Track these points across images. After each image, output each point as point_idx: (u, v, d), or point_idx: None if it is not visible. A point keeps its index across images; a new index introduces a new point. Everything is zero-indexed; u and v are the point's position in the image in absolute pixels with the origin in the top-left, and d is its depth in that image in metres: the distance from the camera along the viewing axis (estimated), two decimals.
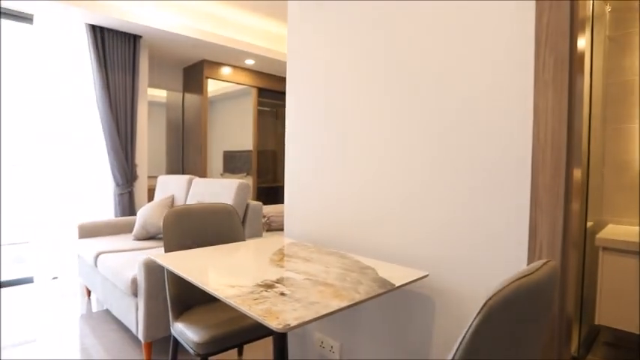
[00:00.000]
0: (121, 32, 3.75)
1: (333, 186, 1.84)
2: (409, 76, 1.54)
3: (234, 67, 4.91)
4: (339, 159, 1.82)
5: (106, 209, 3.74)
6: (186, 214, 1.80)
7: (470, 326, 0.72)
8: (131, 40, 3.82)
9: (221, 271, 1.33)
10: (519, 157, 1.25)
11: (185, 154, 5.08)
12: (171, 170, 5.16)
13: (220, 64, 4.80)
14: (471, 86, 1.36)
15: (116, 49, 3.71)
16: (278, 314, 0.96)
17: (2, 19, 3.36)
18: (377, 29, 1.65)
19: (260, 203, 2.65)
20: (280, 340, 1.38)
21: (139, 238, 3.01)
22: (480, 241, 1.34)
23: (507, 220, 1.28)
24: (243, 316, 1.63)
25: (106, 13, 3.39)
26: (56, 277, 3.57)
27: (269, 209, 3.66)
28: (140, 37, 3.88)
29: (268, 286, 1.17)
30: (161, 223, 3.02)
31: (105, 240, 2.99)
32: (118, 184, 3.74)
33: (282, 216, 3.67)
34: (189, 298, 1.73)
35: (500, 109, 1.29)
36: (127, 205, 3.78)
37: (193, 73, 4.88)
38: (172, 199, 3.14)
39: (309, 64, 1.96)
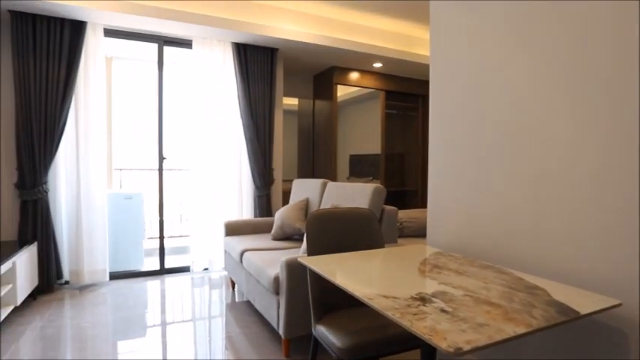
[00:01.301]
0: (261, 47, 4.07)
1: (484, 191, 1.66)
2: (580, 72, 1.29)
3: (362, 71, 4.94)
4: (491, 162, 1.63)
5: (246, 210, 4.09)
6: (328, 218, 1.82)
7: None
8: (269, 54, 4.12)
9: (368, 279, 1.28)
10: None
11: (315, 159, 5.28)
12: (303, 174, 5.41)
13: (349, 70, 4.87)
14: None
15: (256, 63, 4.04)
16: (444, 334, 0.86)
17: (171, 47, 3.93)
18: (537, 22, 1.43)
19: (395, 208, 2.56)
20: (430, 357, 1.27)
21: (276, 238, 3.20)
22: None
23: None
24: (386, 326, 1.57)
25: (248, 32, 3.71)
26: (207, 269, 4.02)
27: (401, 214, 3.55)
28: (277, 49, 4.15)
29: (425, 299, 1.08)
30: (297, 225, 3.16)
31: (247, 238, 3.25)
32: (257, 187, 4.06)
33: (415, 222, 3.53)
34: (331, 301, 1.74)
35: None
36: (265, 206, 4.07)
37: (323, 80, 5.05)
38: (307, 202, 3.26)
39: (455, 63, 1.82)
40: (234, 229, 3.46)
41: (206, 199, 3.94)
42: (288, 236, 3.21)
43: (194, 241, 3.95)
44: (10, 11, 3.21)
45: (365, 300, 1.06)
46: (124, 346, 2.49)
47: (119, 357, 2.35)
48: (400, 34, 4.54)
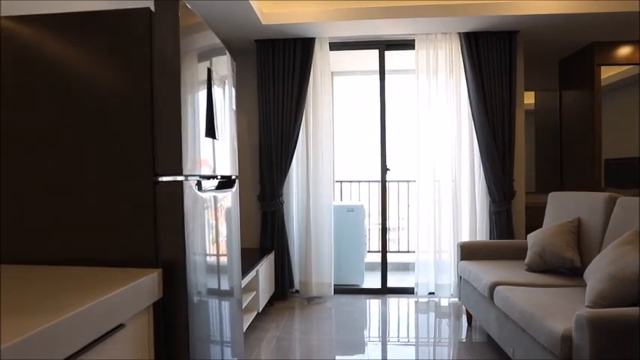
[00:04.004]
0: (496, 32, 3.37)
1: None
2: None
3: (635, 42, 3.60)
4: None
5: (480, 228, 3.42)
6: None
7: None
8: (506, 39, 3.38)
9: None
10: None
11: (564, 166, 4.16)
12: (544, 185, 4.35)
13: (617, 44, 3.62)
14: None
15: (491, 53, 3.37)
16: None
17: (392, 51, 3.68)
18: None
19: None
20: None
21: (533, 269, 2.44)
22: None
23: None
24: None
25: (481, 14, 3.09)
26: (432, 293, 3.53)
27: None
28: (516, 32, 3.38)
29: None
30: (567, 255, 2.31)
31: (492, 265, 2.59)
32: (494, 201, 3.35)
33: None
34: None
35: None
36: (505, 225, 3.32)
37: (576, 63, 3.94)
38: (578, 224, 2.38)
39: None
40: (471, 252, 2.86)
41: (432, 214, 3.47)
42: (552, 268, 2.40)
43: (418, 261, 3.53)
44: (256, 40, 3.54)
45: None
46: None
47: None
48: None
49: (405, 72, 4.33)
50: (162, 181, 1.02)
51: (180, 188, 1.02)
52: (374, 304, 3.53)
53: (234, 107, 1.57)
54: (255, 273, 2.85)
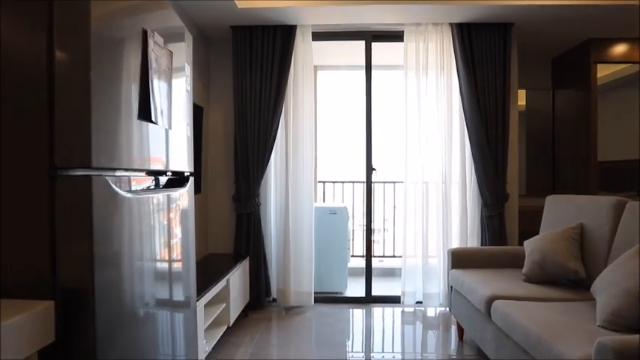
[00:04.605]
0: (490, 24, 3.16)
1: None
2: None
3: (634, 40, 3.44)
4: None
5: (471, 233, 3.20)
6: None
7: None
8: (500, 32, 3.17)
9: None
10: None
11: (557, 168, 3.99)
12: (536, 188, 4.17)
13: (613, 41, 3.46)
14: None
15: (484, 46, 3.15)
16: None
17: (379, 43, 3.44)
18: None
19: None
20: None
21: (532, 280, 2.21)
22: None
23: None
24: None
25: (475, 4, 2.87)
26: (420, 302, 3.29)
27: None
28: (511, 25, 3.17)
29: None
30: (570, 265, 2.08)
31: (487, 275, 2.36)
32: (486, 204, 3.13)
33: None
34: None
35: None
36: (497, 230, 3.10)
37: (571, 60, 3.76)
38: (581, 231, 2.17)
39: None
40: (463, 260, 2.62)
41: (421, 217, 3.23)
42: (553, 279, 2.18)
43: (405, 267, 3.29)
44: (231, 27, 3.25)
45: None
46: None
47: None
48: None
49: (393, 67, 4.09)
50: (63, 176, 0.73)
51: (88, 186, 0.74)
52: (357, 315, 3.27)
53: (189, 88, 1.29)
54: (225, 282, 2.56)
